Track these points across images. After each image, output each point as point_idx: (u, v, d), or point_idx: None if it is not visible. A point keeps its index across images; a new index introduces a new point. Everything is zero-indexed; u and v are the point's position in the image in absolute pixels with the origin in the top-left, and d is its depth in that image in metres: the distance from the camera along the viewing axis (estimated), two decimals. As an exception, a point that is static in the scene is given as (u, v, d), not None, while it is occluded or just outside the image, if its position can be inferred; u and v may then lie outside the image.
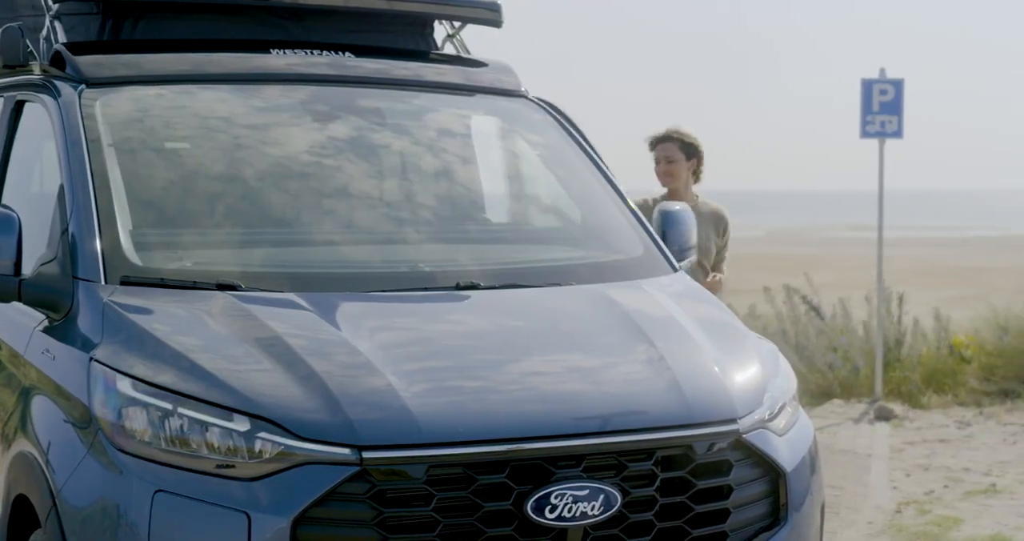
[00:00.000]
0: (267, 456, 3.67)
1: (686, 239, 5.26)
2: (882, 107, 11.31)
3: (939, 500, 7.89)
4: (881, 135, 11.36)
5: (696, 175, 7.32)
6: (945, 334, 12.17)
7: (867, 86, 11.33)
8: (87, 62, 4.99)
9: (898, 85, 11.34)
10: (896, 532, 7.20)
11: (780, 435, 4.29)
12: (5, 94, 5.54)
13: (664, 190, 7.35)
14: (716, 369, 4.26)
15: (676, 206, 5.39)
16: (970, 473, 8.59)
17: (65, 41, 5.20)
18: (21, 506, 4.22)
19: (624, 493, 3.85)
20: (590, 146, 5.56)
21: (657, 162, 7.23)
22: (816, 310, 12.33)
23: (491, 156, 5.61)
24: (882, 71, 11.46)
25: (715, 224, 7.21)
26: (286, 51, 5.31)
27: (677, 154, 7.18)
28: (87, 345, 4.05)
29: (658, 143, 7.28)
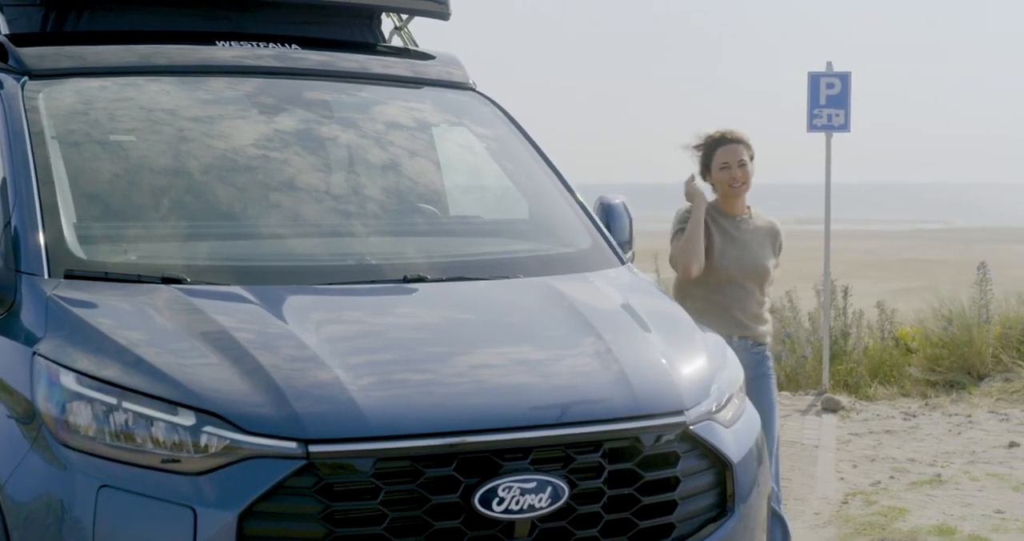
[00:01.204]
0: (213, 450, 3.64)
1: (626, 233, 5.29)
2: (829, 101, 11.36)
3: (885, 491, 7.95)
4: (828, 129, 11.41)
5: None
6: (890, 326, 12.27)
7: (814, 80, 11.38)
8: (30, 54, 4.94)
9: (845, 79, 11.40)
10: (843, 523, 7.25)
11: (727, 427, 4.31)
12: (-53, 86, 5.48)
13: (686, 204, 6.08)
14: (663, 361, 4.27)
15: (616, 199, 5.41)
16: (915, 464, 8.66)
17: (8, 33, 5.15)
18: (-36, 502, 4.18)
19: (571, 485, 3.86)
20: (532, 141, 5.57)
21: (723, 167, 5.97)
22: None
23: (439, 149, 5.60)
24: (829, 65, 11.51)
25: (772, 240, 6.17)
26: (232, 43, 5.28)
27: (748, 158, 6.05)
28: (30, 339, 4.01)
29: (720, 145, 6.02)
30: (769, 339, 6.08)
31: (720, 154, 5.97)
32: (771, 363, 6.08)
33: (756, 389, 5.71)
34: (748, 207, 6.13)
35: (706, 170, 6.01)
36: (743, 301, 5.95)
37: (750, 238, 6.03)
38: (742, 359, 5.13)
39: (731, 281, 5.94)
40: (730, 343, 5.28)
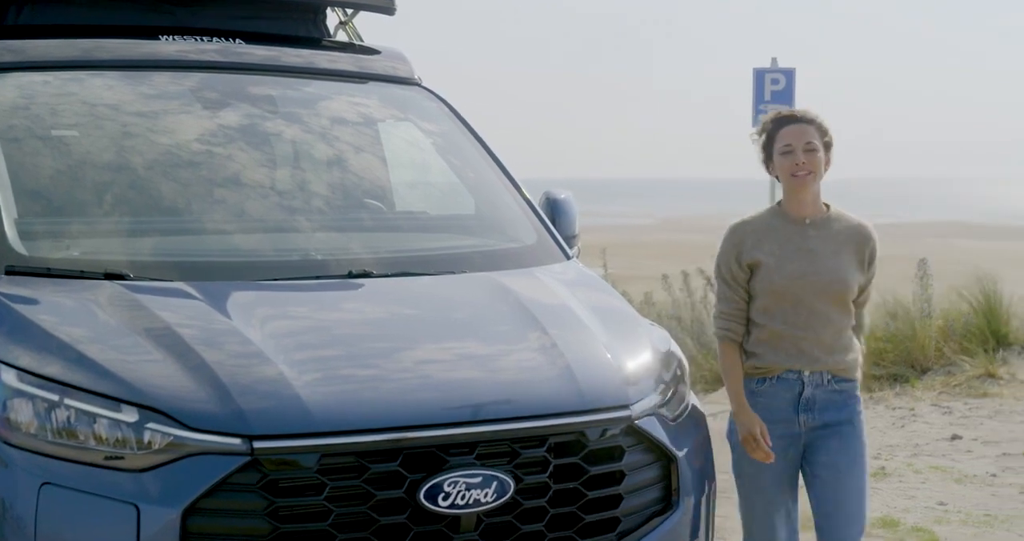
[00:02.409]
0: (156, 447, 3.62)
1: (572, 228, 5.31)
2: (774, 96, 11.44)
3: (829, 483, 8.01)
4: (773, 124, 11.48)
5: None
6: (835, 320, 12.34)
7: (759, 75, 11.45)
8: (-30, 48, 4.89)
9: (789, 74, 11.48)
10: (787, 515, 7.30)
11: (672, 421, 4.33)
12: None
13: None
14: (608, 356, 4.28)
15: (562, 194, 5.42)
16: (859, 456, 8.73)
17: (-53, 27, 5.09)
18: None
19: (517, 480, 3.87)
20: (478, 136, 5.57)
21: (785, 151, 4.64)
22: (718, 295, 12.43)
23: (384, 144, 5.59)
24: (774, 60, 11.59)
25: (857, 246, 4.70)
26: (175, 37, 5.25)
27: (818, 142, 4.66)
28: (-30, 336, 3.97)
29: (785, 124, 4.71)
30: (858, 374, 4.72)
31: (784, 135, 4.67)
32: (860, 407, 4.69)
33: (836, 442, 4.61)
34: (826, 206, 4.74)
35: (768, 157, 4.72)
36: (814, 327, 4.60)
37: (820, 246, 4.64)
38: (818, 399, 4.58)
39: (797, 303, 4.59)
40: (801, 380, 4.58)
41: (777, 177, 4.74)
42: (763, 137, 4.74)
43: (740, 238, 4.65)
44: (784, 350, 4.59)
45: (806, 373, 4.60)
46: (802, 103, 11.76)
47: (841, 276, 4.63)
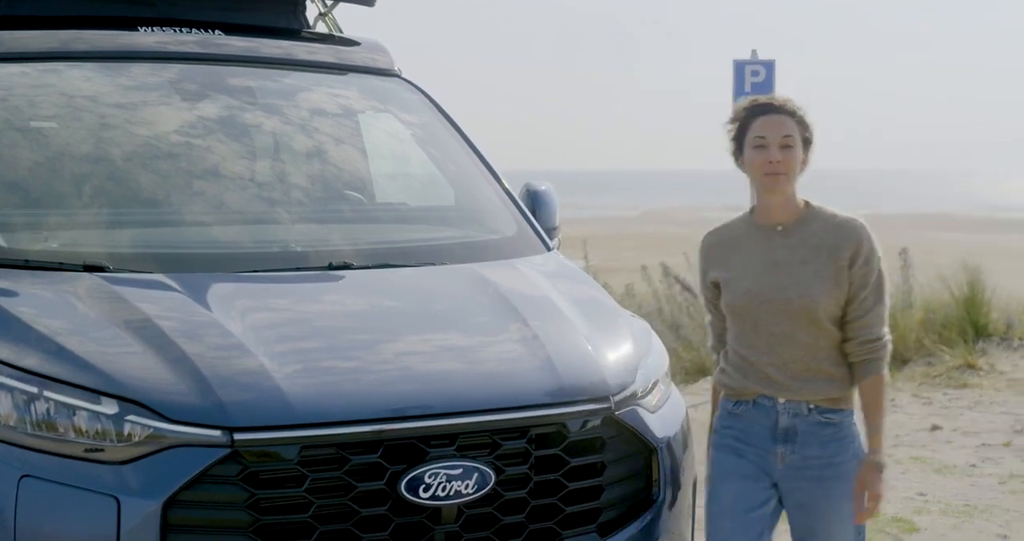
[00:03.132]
0: (136, 439, 3.61)
1: (552, 219, 5.31)
2: (754, 88, 11.44)
3: (809, 474, 8.04)
4: (753, 116, 11.50)
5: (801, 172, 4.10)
6: (815, 312, 12.39)
7: (739, 67, 11.45)
8: (-53, 39, 4.86)
9: (769, 66, 11.49)
10: (768, 506, 7.32)
11: (652, 412, 4.33)
12: None
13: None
14: (589, 347, 4.28)
15: (543, 186, 5.43)
16: (840, 447, 8.76)
17: (-76, 18, 5.06)
18: None
19: (498, 471, 3.87)
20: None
21: (758, 145, 3.99)
22: (690, 289, 12.47)
23: (364, 135, 5.58)
24: (753, 52, 11.60)
25: (834, 249, 4.00)
26: (154, 29, 5.23)
27: (796, 136, 4.00)
28: (-51, 328, 3.95)
29: (760, 114, 4.02)
30: (845, 406, 4.02)
31: (758, 126, 3.99)
32: (855, 445, 4.01)
33: (812, 483, 4.01)
34: (806, 204, 4.08)
35: (738, 149, 4.06)
36: (777, 351, 3.98)
37: (787, 256, 4.00)
38: (800, 431, 3.98)
39: (755, 324, 4.01)
40: (776, 409, 4.01)
41: (749, 176, 4.08)
42: (735, 126, 4.06)
43: (707, 252, 4.18)
44: (753, 374, 4.03)
45: (780, 401, 4.01)
46: (782, 94, 11.79)
47: (805, 291, 3.94)
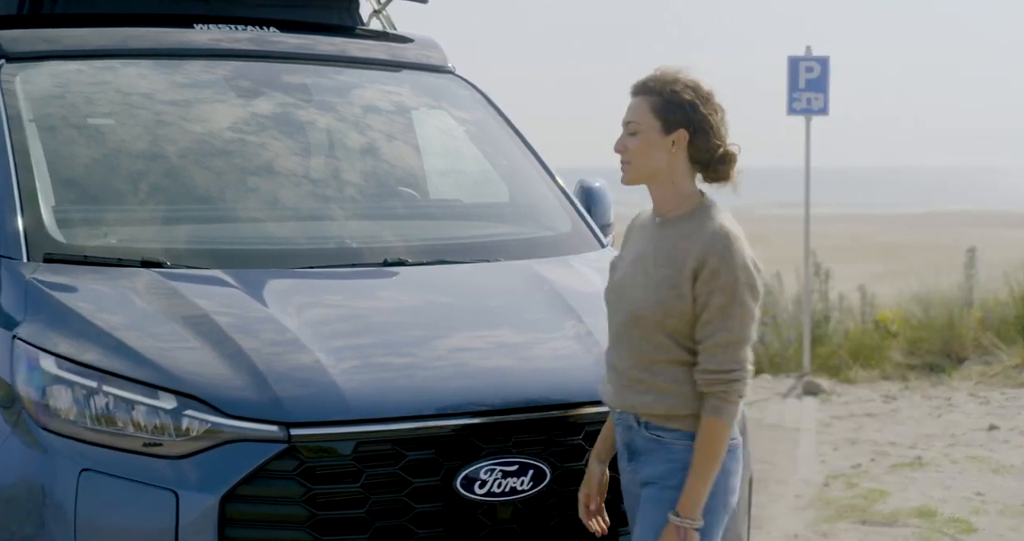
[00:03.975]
0: (194, 434, 3.63)
1: (606, 216, 5.29)
2: (808, 84, 11.40)
3: (866, 473, 7.98)
4: (807, 112, 11.46)
5: (704, 165, 3.60)
6: (871, 309, 12.31)
7: (793, 64, 11.41)
8: (7, 37, 4.91)
9: (824, 63, 11.44)
10: (824, 505, 7.27)
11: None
12: (-77, 69, 5.44)
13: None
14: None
15: (596, 182, 5.41)
16: (896, 447, 8.69)
17: (-16, 16, 5.12)
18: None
19: (553, 468, 3.86)
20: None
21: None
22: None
23: (418, 132, 5.59)
24: (808, 49, 11.55)
25: (683, 257, 3.52)
26: (209, 26, 5.25)
27: (646, 120, 3.56)
28: (10, 323, 3.99)
29: (631, 95, 3.65)
30: (681, 426, 3.54)
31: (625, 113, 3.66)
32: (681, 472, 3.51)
33: (637, 513, 3.63)
34: (700, 200, 3.61)
35: None
36: (618, 352, 3.63)
37: (651, 253, 3.59)
38: (639, 447, 3.61)
39: (610, 320, 3.69)
40: (617, 420, 3.68)
41: None
42: None
43: (623, 241, 3.77)
44: (607, 378, 3.71)
45: (616, 410, 3.67)
46: (838, 91, 11.74)
47: (639, 293, 3.54)
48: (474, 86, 5.65)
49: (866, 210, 56.30)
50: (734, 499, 3.62)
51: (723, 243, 3.49)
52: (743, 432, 4.49)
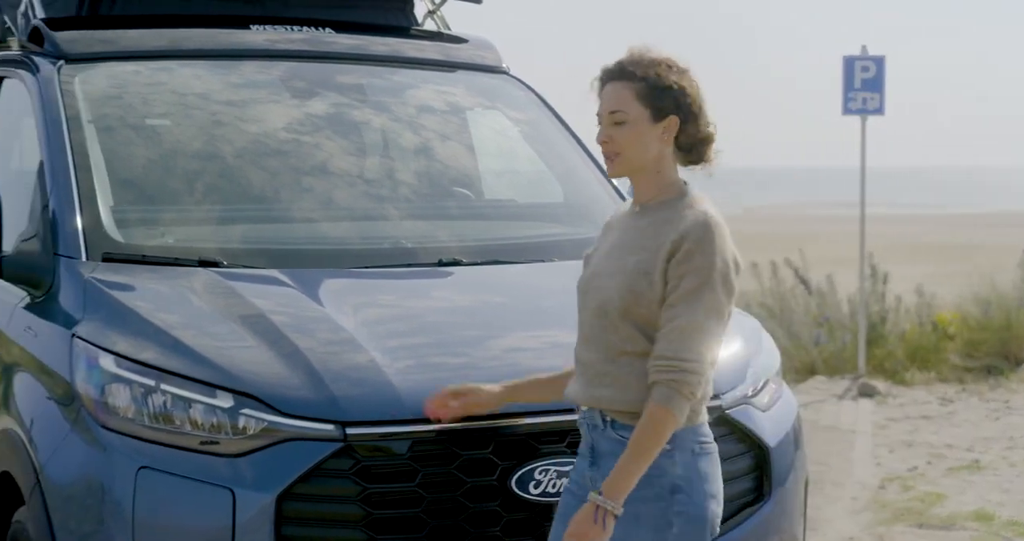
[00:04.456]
0: (251, 432, 3.65)
1: None
2: (864, 84, 11.33)
3: (922, 476, 7.92)
4: (863, 112, 11.38)
5: (687, 150, 3.42)
6: (929, 311, 12.21)
7: (849, 63, 11.34)
8: (66, 38, 4.96)
9: (879, 62, 11.36)
10: (880, 508, 7.22)
11: (763, 411, 4.28)
12: (-16, 71, 5.51)
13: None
14: (699, 344, 4.24)
15: None
16: (953, 449, 8.62)
17: (44, 17, 5.17)
18: (5, 483, 4.20)
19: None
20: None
21: (600, 124, 3.43)
22: (806, 284, 12.36)
23: (472, 132, 5.59)
24: (863, 48, 11.47)
25: (658, 242, 3.33)
26: (265, 27, 5.29)
27: (632, 107, 3.35)
28: (69, 322, 4.03)
29: (604, 84, 3.43)
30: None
31: (599, 100, 3.44)
32: (665, 483, 3.31)
33: (616, 534, 3.25)
34: (681, 189, 3.42)
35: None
36: (584, 345, 3.47)
37: (626, 241, 3.43)
38: (602, 450, 3.39)
39: (581, 312, 3.51)
40: (583, 419, 3.47)
41: None
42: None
43: (599, 237, 3.61)
44: (575, 376, 3.50)
45: (582, 408, 3.45)
46: (894, 91, 11.65)
47: (608, 282, 3.37)
48: (529, 86, 5.64)
49: (921, 210, 55.83)
50: (717, 507, 3.38)
51: (703, 228, 3.29)
52: (798, 432, 4.48)
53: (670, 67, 3.36)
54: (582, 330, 3.47)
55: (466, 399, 3.59)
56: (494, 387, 3.64)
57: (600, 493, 3.23)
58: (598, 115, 3.41)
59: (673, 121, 3.35)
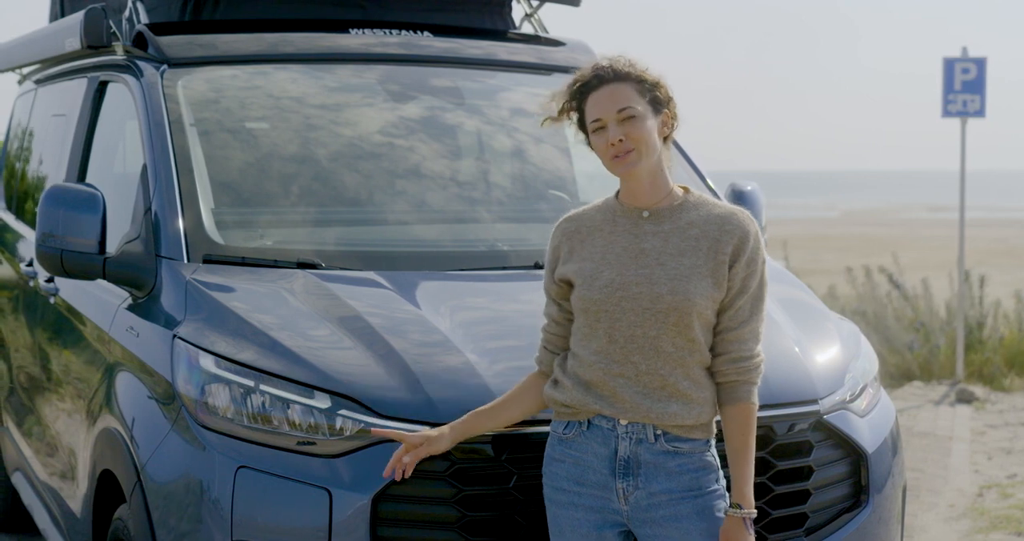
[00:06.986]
0: (348, 433, 3.68)
1: (758, 219, 5.22)
2: (964, 86, 11.18)
3: (1022, 484, 7.79)
4: (963, 114, 11.23)
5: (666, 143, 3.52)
6: (1028, 316, 12.03)
7: (949, 65, 11.20)
8: (169, 43, 5.04)
9: (980, 64, 11.20)
10: (978, 515, 7.12)
11: (861, 416, 4.24)
12: (89, 75, 5.62)
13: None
14: (797, 350, 4.22)
15: (748, 186, 5.36)
16: (1053, 457, 8.48)
17: (147, 22, 5.25)
18: (106, 481, 4.28)
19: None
20: None
21: (597, 128, 3.43)
22: (900, 289, 12.22)
23: (567, 135, 5.59)
24: (964, 50, 11.32)
25: (715, 242, 3.40)
26: (363, 30, 5.34)
27: (638, 104, 3.41)
28: (170, 322, 4.10)
29: (590, 91, 3.46)
30: (700, 435, 3.42)
31: (591, 107, 3.44)
32: (715, 481, 3.43)
33: (673, 529, 3.39)
34: (685, 190, 3.50)
35: (586, 136, 3.51)
36: (634, 360, 3.38)
37: (659, 245, 3.42)
38: (643, 462, 3.39)
39: (613, 325, 3.39)
40: (615, 433, 3.40)
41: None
42: (575, 115, 3.51)
43: (561, 240, 3.54)
44: (595, 389, 3.41)
45: (622, 423, 3.39)
46: (996, 93, 11.49)
47: (679, 286, 3.33)
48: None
49: (1021, 214, 54.97)
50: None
51: (751, 225, 3.43)
52: (896, 438, 4.43)
53: (645, 67, 3.48)
54: (631, 341, 3.38)
55: (417, 451, 3.54)
56: (444, 429, 3.57)
57: (739, 507, 3.39)
58: (595, 120, 3.43)
59: (667, 116, 3.48)
